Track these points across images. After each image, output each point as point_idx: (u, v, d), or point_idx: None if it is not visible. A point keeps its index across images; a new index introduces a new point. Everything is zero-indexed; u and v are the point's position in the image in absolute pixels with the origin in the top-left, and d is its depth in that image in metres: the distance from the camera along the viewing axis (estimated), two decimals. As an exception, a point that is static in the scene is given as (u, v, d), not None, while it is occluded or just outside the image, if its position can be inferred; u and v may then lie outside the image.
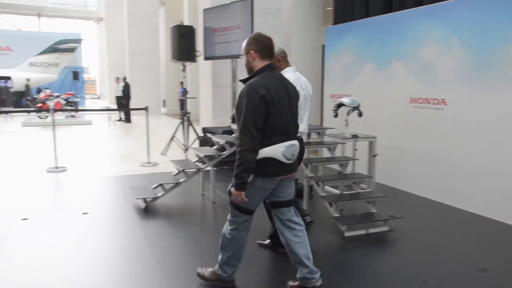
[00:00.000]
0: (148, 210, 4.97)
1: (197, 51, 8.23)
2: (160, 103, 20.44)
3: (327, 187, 5.27)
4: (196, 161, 5.58)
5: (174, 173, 5.50)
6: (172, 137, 8.67)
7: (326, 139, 5.39)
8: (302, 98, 3.65)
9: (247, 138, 2.64)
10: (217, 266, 3.07)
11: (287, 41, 9.90)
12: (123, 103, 15.66)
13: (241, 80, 2.90)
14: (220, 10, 7.73)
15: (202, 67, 9.38)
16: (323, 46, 8.48)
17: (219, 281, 3.06)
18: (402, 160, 6.02)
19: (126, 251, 3.85)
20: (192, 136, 8.52)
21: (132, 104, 15.63)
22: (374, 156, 5.42)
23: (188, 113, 8.55)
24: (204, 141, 7.60)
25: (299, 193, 5.43)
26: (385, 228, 4.33)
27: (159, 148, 8.67)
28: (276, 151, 2.72)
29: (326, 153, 5.45)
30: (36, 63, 24.52)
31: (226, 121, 8.20)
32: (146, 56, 19.43)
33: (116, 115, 16.36)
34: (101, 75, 35.21)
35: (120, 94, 15.95)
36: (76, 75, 24.30)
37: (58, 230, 4.32)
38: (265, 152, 2.71)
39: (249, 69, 2.88)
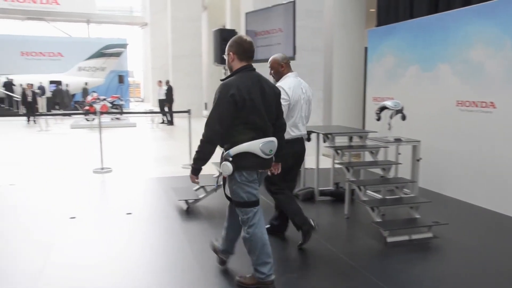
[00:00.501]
0: (189, 212, 5.05)
1: (239, 54, 8.29)
2: (202, 105, 20.74)
3: (369, 192, 5.19)
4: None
5: (215, 175, 5.55)
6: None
7: (369, 142, 5.31)
8: (303, 101, 3.89)
9: (209, 132, 2.87)
10: (253, 271, 3.09)
11: (329, 43, 9.84)
12: (166, 106, 15.98)
13: (221, 80, 3.04)
14: (262, 14, 7.76)
15: (243, 70, 9.45)
16: (366, 49, 8.36)
17: (259, 284, 3.07)
18: (447, 165, 5.84)
19: (168, 252, 3.93)
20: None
21: (175, 107, 15.93)
22: (418, 160, 5.29)
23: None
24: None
25: (340, 197, 5.39)
26: (429, 235, 4.22)
27: (201, 150, 8.79)
28: (255, 146, 2.88)
29: (368, 157, 5.36)
30: (85, 68, 25.45)
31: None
32: (188, 60, 19.77)
33: (159, 117, 16.72)
34: (145, 78, 36.11)
35: (163, 97, 16.29)
36: (121, 79, 25.03)
37: (104, 229, 4.47)
38: (244, 147, 2.87)
39: (230, 68, 3.07)
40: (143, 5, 32.04)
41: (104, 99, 18.00)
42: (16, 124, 16.16)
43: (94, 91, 21.16)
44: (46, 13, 28.42)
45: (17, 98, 19.63)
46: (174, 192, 5.58)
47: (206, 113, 20.65)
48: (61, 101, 21.19)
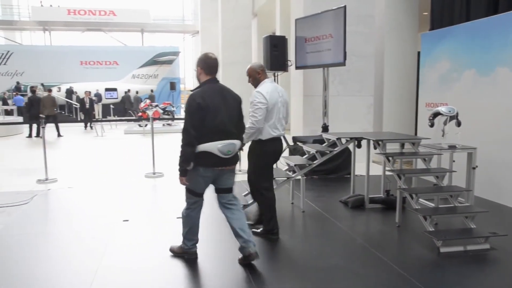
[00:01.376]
0: (238, 217, 5.08)
1: (289, 60, 8.32)
2: (251, 112, 20.85)
3: (421, 200, 5.04)
4: (287, 170, 5.63)
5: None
6: (262, 146, 8.80)
7: (421, 149, 5.17)
8: (280, 104, 4.28)
9: (186, 136, 3.39)
10: (181, 242, 3.81)
11: (380, 48, 9.68)
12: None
13: (191, 91, 3.65)
14: (312, 20, 7.76)
15: (293, 76, 9.47)
16: (419, 53, 8.16)
17: (184, 252, 3.82)
18: (505, 173, 5.57)
19: (217, 256, 3.99)
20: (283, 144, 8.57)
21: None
22: (473, 168, 5.09)
23: (279, 122, 8.62)
24: (295, 150, 7.63)
25: (391, 205, 5.27)
26: (486, 246, 4.03)
27: (250, 156, 8.84)
28: (213, 147, 3.40)
29: (420, 165, 5.21)
30: (138, 75, 26.36)
31: (317, 130, 8.18)
32: (239, 66, 19.97)
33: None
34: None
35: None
36: (173, 86, 25.68)
37: (155, 233, 4.59)
38: (204, 147, 3.41)
39: (198, 81, 3.65)
40: (194, 13, 32.79)
41: (156, 106, 18.51)
42: (74, 130, 16.96)
43: (147, 98, 21.86)
44: (104, 24, 29.71)
45: (75, 105, 20.59)
46: (223, 197, 5.64)
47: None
48: (129, 107, 22.11)
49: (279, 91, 4.34)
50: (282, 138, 4.44)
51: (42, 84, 22.74)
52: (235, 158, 3.62)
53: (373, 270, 3.60)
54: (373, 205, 5.51)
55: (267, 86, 4.25)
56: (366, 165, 5.66)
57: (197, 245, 3.84)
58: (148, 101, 19.41)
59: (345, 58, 7.08)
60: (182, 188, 3.71)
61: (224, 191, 3.74)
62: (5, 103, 21.38)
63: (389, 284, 3.37)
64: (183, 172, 3.47)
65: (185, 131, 3.40)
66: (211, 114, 3.40)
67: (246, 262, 3.63)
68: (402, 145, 5.38)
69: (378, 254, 3.92)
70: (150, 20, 30.99)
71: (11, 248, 4.17)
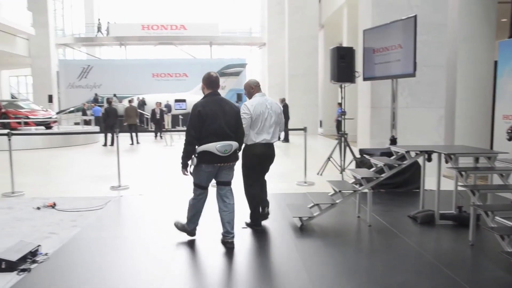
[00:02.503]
0: (303, 229, 5.07)
1: (356, 72, 8.22)
2: (317, 123, 20.77)
3: (497, 218, 4.75)
4: (353, 183, 5.54)
5: (330, 194, 5.54)
6: (328, 158, 8.74)
7: (498, 164, 4.89)
8: (267, 115, 4.86)
9: (188, 137, 4.23)
10: (186, 222, 4.61)
11: (452, 58, 9.31)
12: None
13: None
14: (381, 30, 7.63)
15: (360, 87, 9.34)
16: (495, 62, 7.76)
17: (185, 231, 4.64)
18: None
19: (281, 268, 3.99)
20: (349, 157, 8.47)
21: (290, 124, 16.16)
22: (558, 185, 4.73)
23: (346, 134, 8.54)
24: (361, 163, 7.50)
25: (463, 222, 5.01)
26: None
27: (315, 168, 8.80)
28: (212, 147, 4.15)
29: (497, 180, 4.93)
30: (206, 87, 27.09)
31: (384, 143, 7.99)
32: (304, 78, 20.01)
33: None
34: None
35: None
36: (239, 97, 26.10)
37: (220, 242, 4.67)
38: (205, 147, 4.17)
39: (203, 93, 4.46)
40: (261, 25, 33.27)
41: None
42: (145, 139, 17.72)
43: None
44: (175, 37, 30.95)
45: (147, 115, 21.53)
46: (288, 209, 5.65)
47: (321, 130, 20.81)
48: None
49: (268, 103, 4.94)
50: (271, 144, 4.95)
51: (114, 95, 24.04)
52: (232, 156, 4.31)
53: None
54: (444, 221, 5.27)
55: (255, 99, 4.91)
56: (436, 180, 5.44)
57: (197, 228, 4.66)
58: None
59: (415, 69, 6.89)
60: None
61: (222, 184, 4.45)
62: (84, 113, 22.83)
63: (462, 305, 3.21)
64: (184, 165, 4.31)
65: (187, 132, 4.22)
66: (210, 119, 4.16)
67: (224, 245, 4.41)
68: (476, 160, 5.12)
69: (449, 273, 3.74)
70: (219, 33, 31.82)
71: (84, 251, 4.42)
